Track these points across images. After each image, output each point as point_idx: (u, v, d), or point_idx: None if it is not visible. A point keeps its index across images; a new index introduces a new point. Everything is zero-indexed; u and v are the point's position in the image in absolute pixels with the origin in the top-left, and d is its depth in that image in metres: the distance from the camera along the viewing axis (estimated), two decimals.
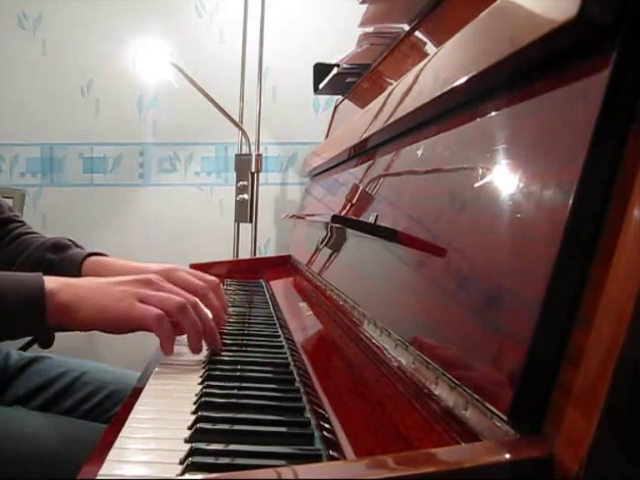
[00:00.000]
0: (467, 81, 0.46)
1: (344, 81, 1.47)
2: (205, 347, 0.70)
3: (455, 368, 0.41)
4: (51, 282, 0.66)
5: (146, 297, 0.66)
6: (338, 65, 1.42)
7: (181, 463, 0.42)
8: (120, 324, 0.65)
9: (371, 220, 0.70)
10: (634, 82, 0.31)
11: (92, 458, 0.44)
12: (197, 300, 0.70)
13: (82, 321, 0.65)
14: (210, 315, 0.72)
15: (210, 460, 0.42)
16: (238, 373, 0.62)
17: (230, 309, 0.91)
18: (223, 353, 0.69)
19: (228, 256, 2.33)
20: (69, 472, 0.63)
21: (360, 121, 0.88)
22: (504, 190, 0.40)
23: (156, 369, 0.65)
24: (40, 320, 0.63)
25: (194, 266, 1.36)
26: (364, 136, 0.81)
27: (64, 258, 0.91)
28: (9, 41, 2.71)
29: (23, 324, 0.64)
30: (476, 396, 0.37)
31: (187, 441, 0.46)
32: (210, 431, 0.47)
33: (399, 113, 0.65)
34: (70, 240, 0.95)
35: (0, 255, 0.97)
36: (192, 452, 0.43)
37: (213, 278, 0.82)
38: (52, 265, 0.90)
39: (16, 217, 1.03)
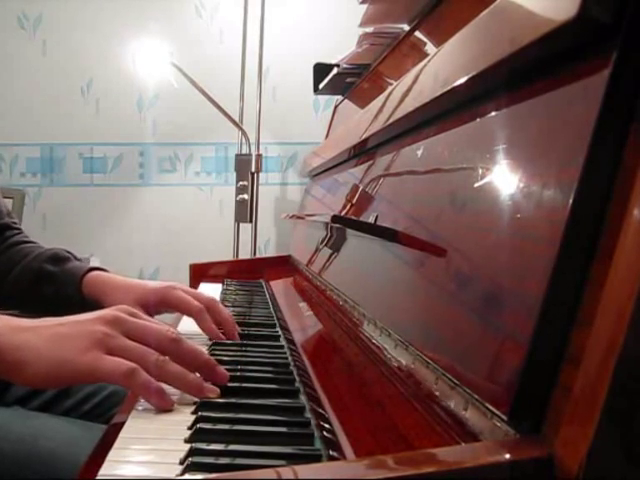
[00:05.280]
0: (467, 81, 0.46)
1: (344, 81, 1.47)
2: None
3: (455, 368, 0.41)
4: None
5: (116, 348, 0.54)
6: (338, 65, 1.42)
7: (181, 463, 0.42)
8: (82, 380, 0.54)
9: (371, 220, 0.70)
10: (634, 82, 0.31)
11: (92, 458, 0.44)
12: (175, 337, 0.57)
13: (32, 380, 0.53)
14: (194, 347, 0.58)
15: (210, 460, 0.42)
16: (238, 373, 0.62)
17: (230, 309, 0.91)
18: (223, 353, 0.69)
19: (228, 256, 2.34)
20: (69, 472, 0.63)
21: (360, 121, 0.88)
22: (504, 190, 0.41)
23: None
24: None
25: (194, 266, 1.36)
26: (364, 136, 0.81)
27: (64, 270, 0.89)
28: (9, 41, 2.72)
29: None
30: (476, 396, 0.37)
31: (187, 441, 0.46)
32: (210, 431, 0.47)
33: (399, 113, 0.65)
34: (68, 252, 0.94)
35: None
36: (192, 452, 0.43)
37: (211, 296, 0.80)
38: (51, 277, 0.89)
39: (14, 224, 1.01)
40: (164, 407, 0.53)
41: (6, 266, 0.93)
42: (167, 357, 0.55)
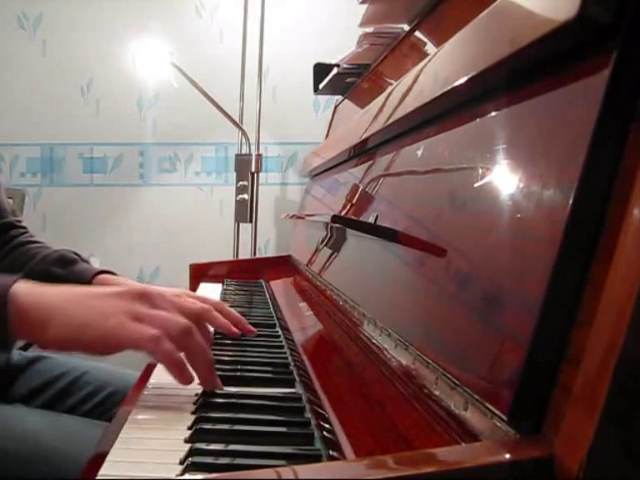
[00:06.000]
0: (467, 81, 0.46)
1: (344, 81, 1.47)
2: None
3: (455, 368, 0.41)
4: (19, 286, 0.52)
5: (143, 315, 0.52)
6: (338, 65, 1.42)
7: (181, 463, 0.42)
8: (105, 344, 0.52)
9: (371, 220, 0.70)
10: (634, 82, 0.31)
11: (93, 458, 0.44)
12: (193, 327, 0.57)
13: (54, 339, 0.51)
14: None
15: (210, 460, 0.42)
16: (238, 373, 0.62)
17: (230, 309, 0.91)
18: (223, 353, 0.69)
19: (228, 256, 2.33)
20: (71, 471, 0.63)
21: (360, 121, 0.88)
22: (504, 190, 0.41)
23: (156, 369, 0.65)
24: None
25: (194, 266, 1.36)
26: (364, 136, 0.81)
27: (72, 273, 0.89)
28: (9, 41, 2.71)
29: None
30: (476, 396, 0.37)
31: (187, 441, 0.46)
32: (210, 431, 0.47)
33: (399, 113, 0.65)
34: (76, 253, 0.93)
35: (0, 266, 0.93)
36: (192, 452, 0.43)
37: (217, 300, 0.81)
38: (60, 279, 0.88)
39: (18, 222, 0.99)
40: (183, 381, 0.53)
41: (12, 269, 0.92)
42: (194, 327, 0.55)
